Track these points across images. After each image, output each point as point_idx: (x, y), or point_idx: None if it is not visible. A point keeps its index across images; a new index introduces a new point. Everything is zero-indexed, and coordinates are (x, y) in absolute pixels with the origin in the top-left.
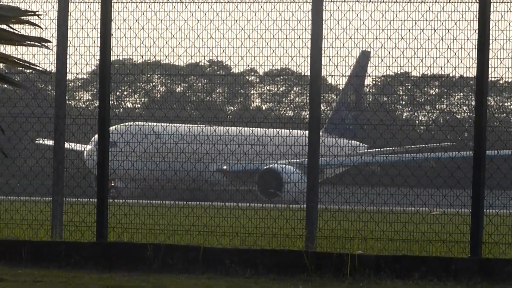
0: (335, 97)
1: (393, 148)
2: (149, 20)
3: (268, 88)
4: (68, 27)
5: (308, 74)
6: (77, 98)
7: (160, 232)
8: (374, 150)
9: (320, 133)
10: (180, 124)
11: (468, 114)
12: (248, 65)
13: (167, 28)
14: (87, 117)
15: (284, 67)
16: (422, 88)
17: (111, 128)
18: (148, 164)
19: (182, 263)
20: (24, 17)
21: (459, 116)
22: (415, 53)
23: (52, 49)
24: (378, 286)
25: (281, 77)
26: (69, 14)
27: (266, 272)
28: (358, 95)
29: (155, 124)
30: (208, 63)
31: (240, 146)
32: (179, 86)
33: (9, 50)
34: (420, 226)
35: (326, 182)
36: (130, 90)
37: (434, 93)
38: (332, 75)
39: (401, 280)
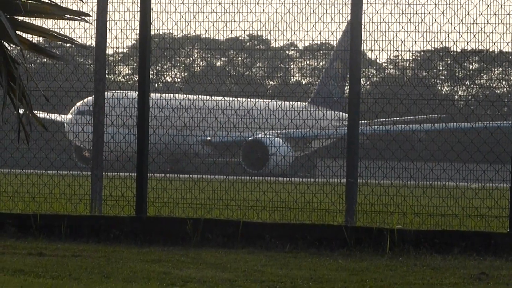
0: (374, 72)
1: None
2: None
3: (307, 62)
4: (108, 1)
5: (349, 48)
6: (116, 72)
7: (200, 207)
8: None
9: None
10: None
11: (507, 89)
12: (288, 40)
13: (207, 3)
14: (126, 91)
15: (324, 41)
16: (461, 63)
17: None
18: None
19: (221, 238)
20: None
21: (498, 91)
22: (454, 28)
23: (92, 23)
24: (417, 261)
25: (321, 52)
26: None
27: (305, 246)
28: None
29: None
30: (248, 38)
31: (229, 118)
32: (219, 61)
33: (48, 24)
34: (459, 201)
35: (366, 157)
36: (169, 65)
37: (473, 68)
38: (372, 50)
39: (440, 255)
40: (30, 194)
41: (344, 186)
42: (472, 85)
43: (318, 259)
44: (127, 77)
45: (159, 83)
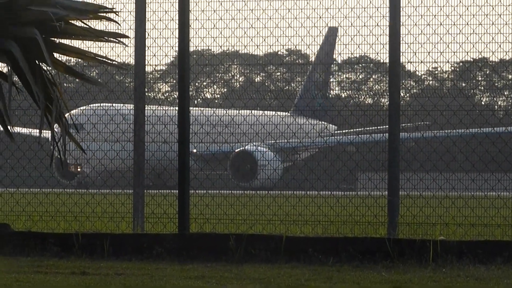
0: (413, 84)
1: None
2: (227, 10)
3: (347, 76)
4: (146, 19)
5: (387, 61)
6: (156, 89)
7: (242, 222)
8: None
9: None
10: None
11: None
12: (327, 54)
13: (245, 18)
14: (166, 108)
15: (362, 54)
16: (500, 73)
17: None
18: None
19: (264, 253)
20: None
21: None
22: (493, 38)
23: (129, 44)
24: (460, 272)
25: (360, 65)
26: (146, 6)
27: (349, 260)
28: (327, 74)
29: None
30: (286, 52)
31: (214, 127)
32: (258, 76)
33: (87, 42)
34: (501, 210)
35: (407, 169)
36: (209, 81)
37: None
38: (410, 62)
39: (484, 265)
40: (72, 213)
41: (386, 198)
42: (511, 95)
43: (361, 272)
44: (167, 94)
45: (199, 99)
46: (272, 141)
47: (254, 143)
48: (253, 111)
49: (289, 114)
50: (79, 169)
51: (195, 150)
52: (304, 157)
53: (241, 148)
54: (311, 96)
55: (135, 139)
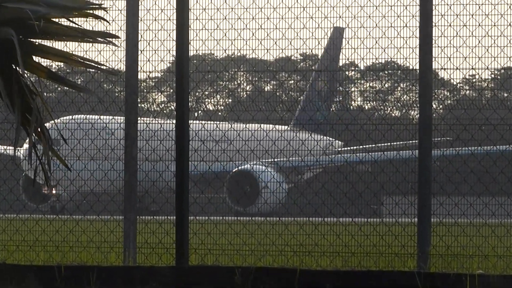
0: (448, 94)
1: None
2: (232, 8)
3: (370, 84)
4: (139, 18)
5: (417, 67)
6: (150, 100)
7: (250, 253)
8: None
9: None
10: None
11: None
12: (348, 58)
13: (253, 18)
14: (162, 122)
15: (388, 60)
16: None
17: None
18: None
19: None
20: (88, 10)
21: None
22: None
23: (120, 46)
24: None
25: (386, 72)
26: (139, 3)
27: None
28: (332, 81)
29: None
30: (301, 57)
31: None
32: (268, 84)
33: (71, 46)
34: None
35: (440, 193)
36: (211, 90)
37: None
38: (444, 68)
39: None
40: (54, 242)
41: (415, 226)
42: None
43: None
44: (163, 105)
45: (200, 111)
46: (276, 159)
47: (255, 162)
48: (262, 125)
49: (288, 128)
50: (53, 191)
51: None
52: (316, 177)
53: (240, 168)
54: (314, 107)
55: (126, 156)
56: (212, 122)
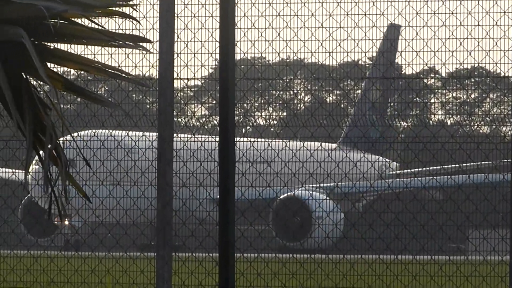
0: None
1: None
2: (287, 3)
3: (454, 94)
4: (175, 15)
5: (510, 74)
6: (188, 113)
7: None
8: None
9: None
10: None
11: None
12: (426, 64)
13: (312, 14)
14: (203, 139)
15: (475, 65)
16: None
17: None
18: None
19: None
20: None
21: None
22: None
23: (152, 48)
24: None
25: (472, 79)
26: None
27: None
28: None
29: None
30: (370, 62)
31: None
32: (331, 94)
33: (94, 47)
34: None
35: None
36: (262, 101)
37: None
38: None
39: None
40: (72, 284)
41: (507, 265)
42: None
43: None
44: (204, 119)
45: (248, 127)
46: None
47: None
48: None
49: (336, 146)
50: (66, 222)
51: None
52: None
53: (288, 194)
54: (367, 122)
55: (159, 181)
56: (262, 139)
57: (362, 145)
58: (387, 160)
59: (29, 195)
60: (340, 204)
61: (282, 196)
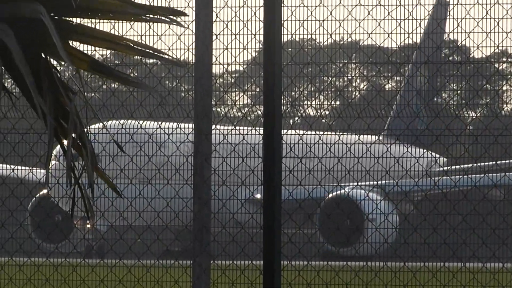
0: None
1: None
2: None
3: None
4: None
5: None
6: (228, 102)
7: None
8: None
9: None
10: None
11: None
12: (497, 45)
13: None
14: (245, 131)
15: None
16: None
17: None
18: None
19: None
20: None
21: None
22: None
23: (188, 28)
24: None
25: None
26: None
27: None
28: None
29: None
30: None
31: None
32: (390, 81)
33: (120, 29)
34: None
35: None
36: (312, 89)
37: None
38: None
39: None
40: None
41: None
42: None
43: None
44: (246, 109)
45: (296, 118)
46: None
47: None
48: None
49: (378, 139)
50: (88, 226)
51: (259, 196)
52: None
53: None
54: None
55: (195, 179)
56: (313, 132)
57: (407, 139)
58: (434, 154)
59: (40, 193)
60: (391, 205)
61: (330, 195)
